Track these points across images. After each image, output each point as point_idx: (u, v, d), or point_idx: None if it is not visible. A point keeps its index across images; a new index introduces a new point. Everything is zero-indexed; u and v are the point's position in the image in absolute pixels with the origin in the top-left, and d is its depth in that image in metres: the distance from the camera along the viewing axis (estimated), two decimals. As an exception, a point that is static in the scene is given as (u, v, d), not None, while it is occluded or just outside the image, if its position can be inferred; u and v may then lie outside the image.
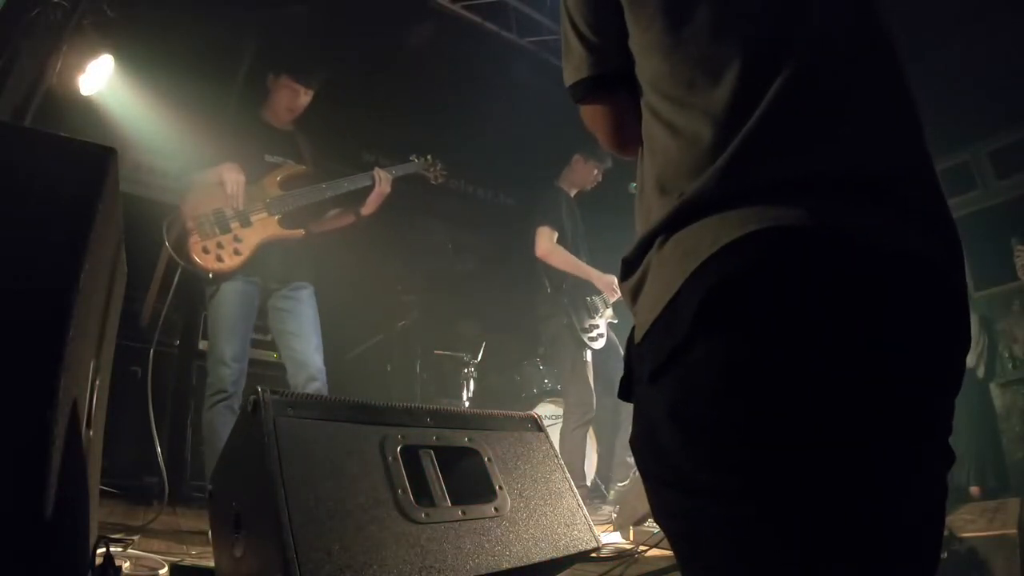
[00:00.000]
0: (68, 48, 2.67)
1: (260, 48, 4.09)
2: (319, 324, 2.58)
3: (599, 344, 3.28)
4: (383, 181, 2.66)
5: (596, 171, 3.47)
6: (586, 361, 3.20)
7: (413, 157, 2.96)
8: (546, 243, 3.17)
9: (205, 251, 2.37)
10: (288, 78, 2.66)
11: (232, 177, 2.42)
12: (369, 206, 2.68)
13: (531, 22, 4.42)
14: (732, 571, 0.59)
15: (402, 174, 2.82)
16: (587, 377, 3.19)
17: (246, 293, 2.47)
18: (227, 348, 2.40)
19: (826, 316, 0.58)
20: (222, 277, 2.41)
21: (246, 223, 2.46)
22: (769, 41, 0.67)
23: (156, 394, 3.03)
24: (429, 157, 3.00)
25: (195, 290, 2.65)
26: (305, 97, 2.71)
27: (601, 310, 3.31)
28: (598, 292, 3.29)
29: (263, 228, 2.48)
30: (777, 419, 0.57)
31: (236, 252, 2.41)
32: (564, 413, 3.34)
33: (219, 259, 2.38)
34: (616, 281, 3.15)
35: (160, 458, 2.26)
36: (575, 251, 3.31)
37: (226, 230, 2.42)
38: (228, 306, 2.43)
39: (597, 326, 3.29)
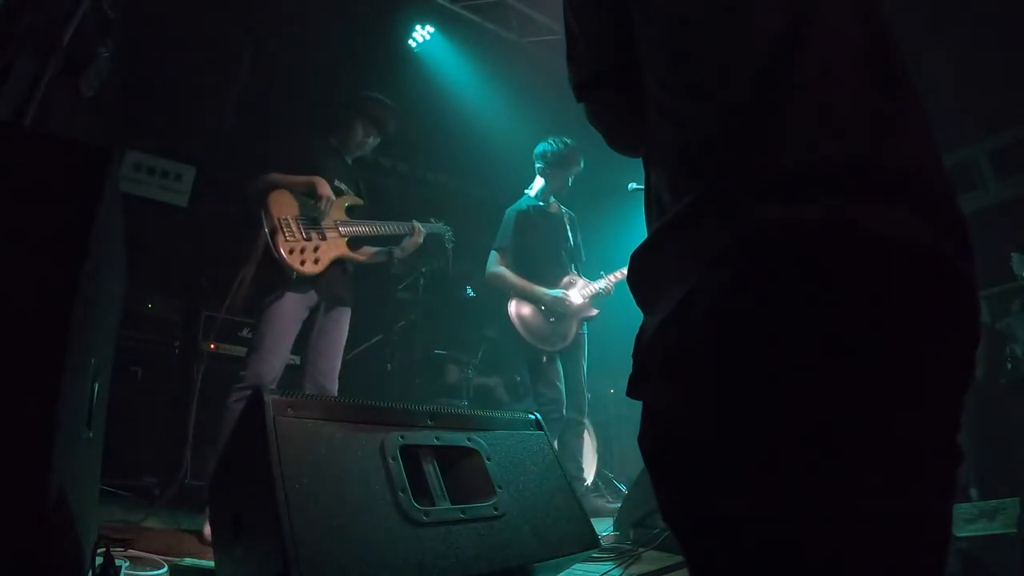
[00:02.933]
0: (68, 48, 2.67)
1: (260, 48, 4.09)
2: (344, 346, 2.75)
3: (557, 345, 3.35)
4: (418, 233, 2.95)
5: (561, 179, 3.54)
6: (541, 365, 3.34)
7: (432, 220, 3.19)
8: (490, 268, 3.46)
9: (291, 252, 2.51)
10: (364, 121, 2.87)
11: (325, 192, 2.61)
12: (405, 251, 2.92)
13: (531, 22, 4.42)
14: (742, 569, 0.58)
15: (430, 231, 3.09)
16: (549, 378, 3.32)
17: (306, 305, 2.60)
18: (277, 349, 2.49)
19: (838, 311, 0.58)
20: (303, 279, 2.54)
21: (323, 236, 2.63)
22: (776, 40, 0.67)
23: (156, 394, 3.05)
24: (447, 230, 3.24)
25: (198, 291, 2.69)
26: (374, 142, 2.95)
27: (558, 313, 3.38)
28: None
29: (336, 245, 2.66)
30: (789, 414, 0.57)
31: (316, 261, 2.56)
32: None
33: (302, 263, 2.52)
34: (567, 296, 3.32)
35: (188, 455, 2.41)
36: (548, 259, 3.44)
37: (309, 237, 2.58)
38: (291, 311, 2.54)
39: (555, 330, 3.36)
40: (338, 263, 2.67)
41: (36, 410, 0.84)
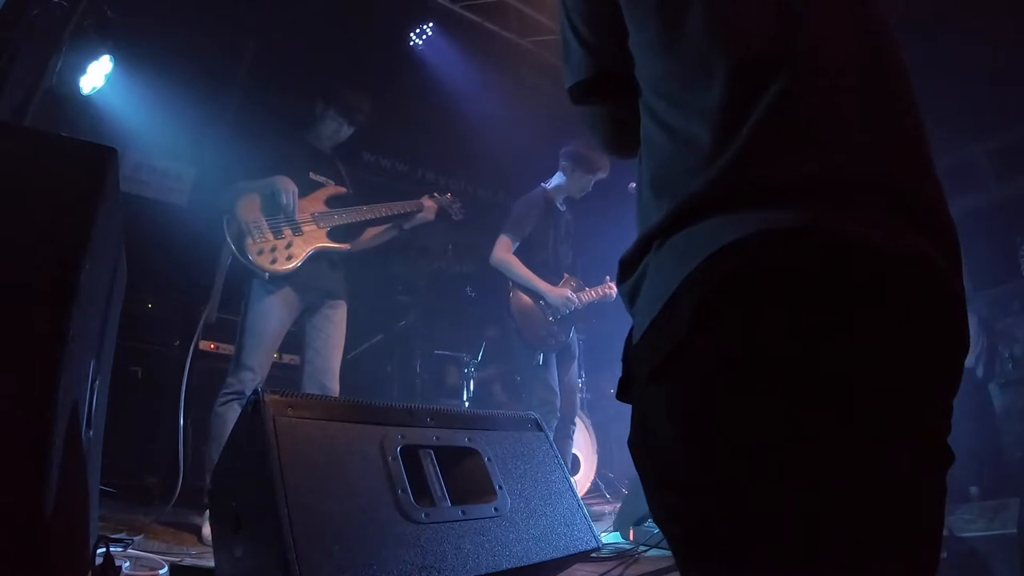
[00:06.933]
0: (68, 48, 2.67)
1: (260, 48, 4.10)
2: (343, 343, 2.70)
3: (551, 347, 3.22)
4: (429, 210, 2.90)
5: (584, 181, 3.40)
6: (537, 364, 3.17)
7: (435, 193, 3.10)
8: (499, 253, 3.23)
9: (260, 252, 2.48)
10: (336, 113, 2.81)
11: (287, 188, 2.56)
12: (414, 223, 2.90)
13: (531, 22, 4.42)
14: (733, 572, 0.58)
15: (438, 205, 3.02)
16: (544, 378, 3.17)
17: (290, 305, 2.56)
18: (259, 355, 2.46)
19: (824, 317, 0.58)
20: (277, 278, 2.51)
21: (298, 232, 2.58)
22: (766, 43, 0.67)
23: (155, 394, 3.04)
24: (450, 195, 3.15)
25: (198, 291, 2.69)
26: (348, 131, 2.88)
27: (561, 314, 3.25)
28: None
29: (314, 238, 2.61)
30: (775, 419, 0.57)
31: (289, 257, 2.52)
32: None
33: (274, 261, 2.48)
34: (570, 294, 3.19)
35: (181, 456, 2.38)
36: (550, 257, 3.31)
37: (279, 235, 2.54)
38: (273, 315, 2.51)
39: (552, 331, 3.23)
40: (320, 256, 2.62)
41: (34, 410, 0.84)
